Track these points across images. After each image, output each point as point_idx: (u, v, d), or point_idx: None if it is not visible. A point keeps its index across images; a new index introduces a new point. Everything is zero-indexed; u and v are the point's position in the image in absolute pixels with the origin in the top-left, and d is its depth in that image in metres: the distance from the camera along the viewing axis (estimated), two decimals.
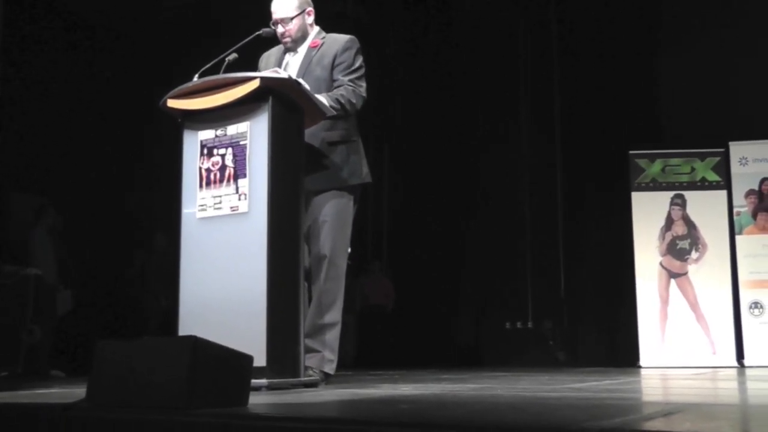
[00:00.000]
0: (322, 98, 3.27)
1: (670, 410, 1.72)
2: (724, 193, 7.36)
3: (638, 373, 5.33)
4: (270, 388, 2.81)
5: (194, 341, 1.90)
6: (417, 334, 9.17)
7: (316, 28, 3.65)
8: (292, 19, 3.53)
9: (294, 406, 2.00)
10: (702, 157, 7.48)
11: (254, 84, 3.02)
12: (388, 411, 1.78)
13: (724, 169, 7.40)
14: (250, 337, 2.86)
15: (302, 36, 3.59)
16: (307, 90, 3.13)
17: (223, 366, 1.97)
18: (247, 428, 1.60)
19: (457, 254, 9.65)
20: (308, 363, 3.31)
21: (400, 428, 1.41)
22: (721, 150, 7.43)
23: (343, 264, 3.53)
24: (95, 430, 1.95)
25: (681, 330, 7.24)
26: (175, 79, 3.32)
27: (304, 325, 3.37)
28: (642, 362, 7.19)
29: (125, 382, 2.03)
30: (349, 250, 3.63)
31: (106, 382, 2.09)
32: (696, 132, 7.67)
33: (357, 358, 8.88)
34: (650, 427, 1.36)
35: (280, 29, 3.54)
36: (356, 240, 3.64)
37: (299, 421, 1.57)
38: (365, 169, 3.62)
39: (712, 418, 1.58)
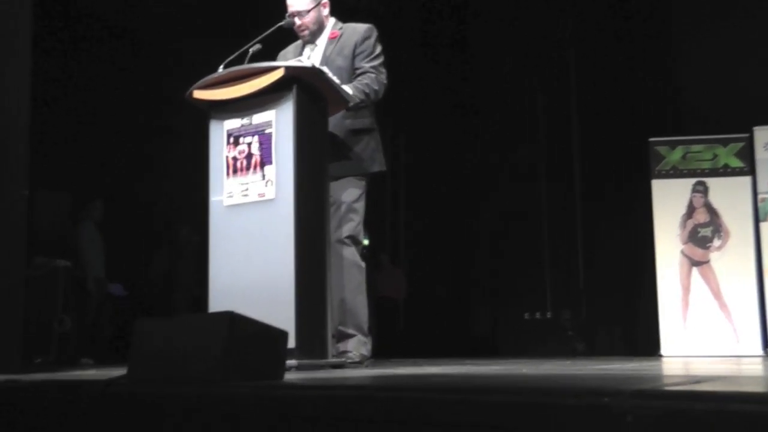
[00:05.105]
0: (347, 88, 3.32)
1: (698, 379, 1.75)
2: (748, 179, 7.26)
3: (660, 361, 5.34)
4: (299, 368, 2.87)
5: (231, 316, 1.96)
6: (434, 325, 9.21)
7: (332, 20, 3.69)
8: (308, 11, 3.57)
9: (330, 380, 2.05)
10: (725, 143, 7.40)
11: (279, 73, 3.06)
12: (422, 381, 1.83)
13: (748, 154, 7.31)
14: (278, 320, 2.86)
15: (319, 28, 3.63)
16: (331, 78, 3.18)
17: (259, 341, 2.02)
18: (286, 397, 1.65)
19: (474, 244, 9.67)
20: (347, 347, 3.42)
21: (437, 393, 1.45)
22: (745, 135, 7.33)
23: (360, 248, 3.59)
24: (136, 404, 2.01)
25: (703, 318, 7.19)
26: (202, 72, 3.37)
27: (333, 312, 3.43)
28: (663, 351, 7.15)
29: (164, 358, 2.09)
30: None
31: (146, 359, 2.15)
32: (718, 118, 7.57)
33: (373, 350, 8.93)
34: (682, 389, 1.40)
35: (296, 21, 3.59)
36: (372, 230, 3.70)
37: (338, 389, 1.62)
38: (383, 158, 3.69)
39: (741, 384, 1.61)
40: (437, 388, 1.49)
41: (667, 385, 1.55)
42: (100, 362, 5.97)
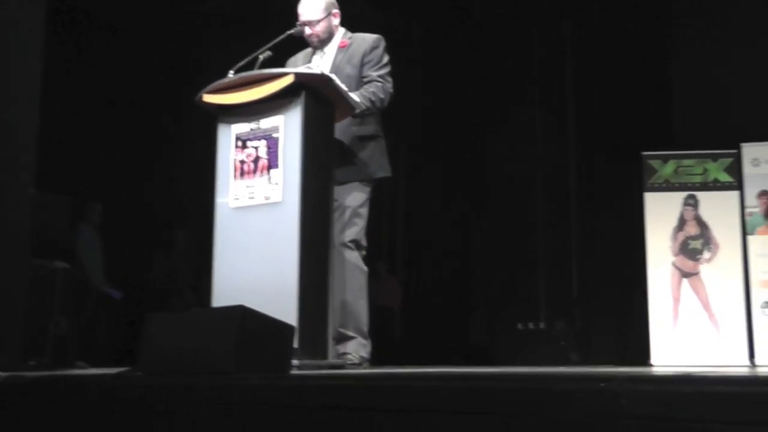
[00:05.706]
0: (354, 96, 3.41)
1: (692, 371, 1.84)
2: (736, 193, 7.40)
3: (650, 367, 5.43)
4: (300, 368, 2.93)
5: (243, 310, 2.04)
6: (428, 335, 9.28)
7: (342, 29, 3.79)
8: (318, 21, 3.66)
9: (336, 373, 2.12)
10: (714, 158, 7.54)
11: (288, 79, 3.13)
12: (425, 374, 1.91)
13: (736, 170, 7.46)
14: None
15: (329, 37, 3.73)
16: (339, 85, 3.26)
17: (269, 335, 2.10)
18: (298, 387, 1.73)
19: (469, 254, 9.77)
20: (346, 349, 3.48)
21: (442, 382, 1.53)
22: (734, 151, 7.48)
23: (362, 252, 3.67)
24: (145, 395, 2.07)
25: (693, 329, 7.29)
26: (204, 77, 3.45)
27: (334, 313, 3.50)
28: (653, 361, 7.24)
29: (174, 351, 2.16)
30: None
31: (155, 352, 2.22)
32: (708, 133, 7.75)
33: (371, 357, 8.99)
34: (673, 373, 1.49)
35: (307, 31, 3.68)
36: (369, 239, 3.76)
37: (345, 379, 1.70)
38: (388, 164, 3.77)
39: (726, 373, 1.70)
40: (442, 377, 1.57)
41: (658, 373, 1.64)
42: (95, 366, 5.99)
